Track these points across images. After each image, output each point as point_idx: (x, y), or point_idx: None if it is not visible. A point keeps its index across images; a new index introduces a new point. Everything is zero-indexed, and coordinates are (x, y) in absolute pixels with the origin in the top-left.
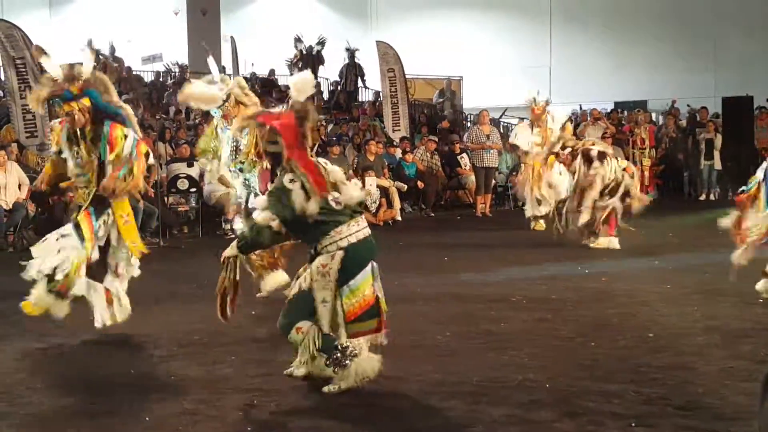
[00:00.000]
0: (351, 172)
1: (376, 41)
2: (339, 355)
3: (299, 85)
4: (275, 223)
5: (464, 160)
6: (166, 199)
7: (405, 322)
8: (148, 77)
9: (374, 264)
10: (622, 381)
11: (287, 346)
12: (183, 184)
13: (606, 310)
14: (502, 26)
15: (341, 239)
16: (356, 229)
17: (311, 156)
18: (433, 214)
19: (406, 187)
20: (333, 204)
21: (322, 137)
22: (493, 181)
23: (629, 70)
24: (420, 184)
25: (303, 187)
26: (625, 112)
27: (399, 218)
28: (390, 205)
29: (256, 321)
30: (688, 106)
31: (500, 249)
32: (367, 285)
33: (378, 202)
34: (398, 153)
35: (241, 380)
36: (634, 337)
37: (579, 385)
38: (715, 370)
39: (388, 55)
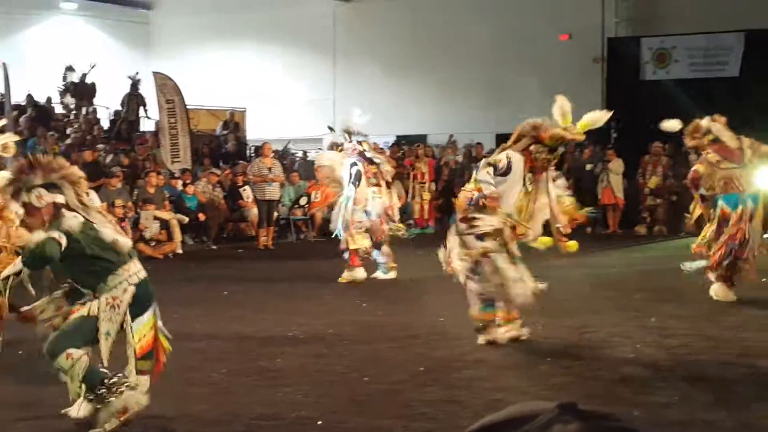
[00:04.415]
0: (131, 204)
1: (153, 72)
2: (104, 391)
3: None
4: (64, 240)
5: (246, 192)
6: None
7: (181, 358)
8: None
9: (155, 304)
10: (393, 416)
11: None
12: None
13: (381, 344)
14: (288, 59)
15: (130, 276)
16: (139, 268)
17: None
18: (215, 247)
19: (187, 219)
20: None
21: (102, 168)
22: (276, 214)
23: (411, 105)
24: (201, 216)
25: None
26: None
27: (180, 251)
28: (170, 237)
29: None
30: (471, 141)
31: (281, 283)
32: (150, 324)
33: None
34: (179, 185)
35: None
36: (406, 371)
37: (351, 421)
38: (481, 403)
39: (166, 87)
